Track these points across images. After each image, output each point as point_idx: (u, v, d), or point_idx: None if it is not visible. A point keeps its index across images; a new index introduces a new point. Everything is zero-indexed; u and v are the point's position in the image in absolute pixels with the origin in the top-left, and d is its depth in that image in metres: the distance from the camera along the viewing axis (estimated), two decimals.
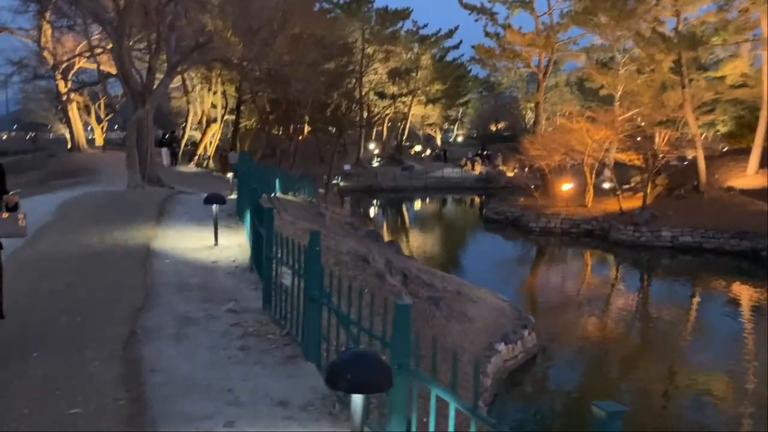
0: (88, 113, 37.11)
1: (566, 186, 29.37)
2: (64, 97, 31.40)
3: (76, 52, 29.63)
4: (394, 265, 11.00)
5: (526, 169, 36.14)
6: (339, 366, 2.63)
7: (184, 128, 35.88)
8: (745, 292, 18.08)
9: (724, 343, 13.52)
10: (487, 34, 36.57)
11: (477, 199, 42.93)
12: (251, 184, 9.03)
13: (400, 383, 3.04)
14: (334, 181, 37.81)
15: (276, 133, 42.09)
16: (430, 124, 64.08)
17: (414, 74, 49.78)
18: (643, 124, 28.73)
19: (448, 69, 54.32)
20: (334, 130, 42.28)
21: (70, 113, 32.32)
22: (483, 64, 40.11)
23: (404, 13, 46.96)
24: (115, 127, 46.05)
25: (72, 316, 5.45)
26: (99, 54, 26.12)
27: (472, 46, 37.72)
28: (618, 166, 28.07)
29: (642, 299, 17.92)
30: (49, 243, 8.75)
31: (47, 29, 28.42)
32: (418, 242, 26.61)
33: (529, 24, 35.33)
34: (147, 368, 4.39)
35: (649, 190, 25.47)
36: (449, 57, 55.17)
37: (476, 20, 36.19)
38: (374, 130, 55.94)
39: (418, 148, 61.48)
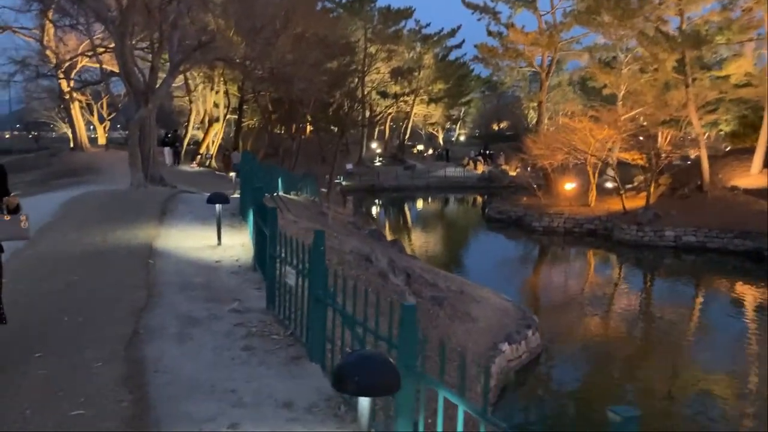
0: (91, 112, 37.12)
1: (569, 185, 29.31)
2: (67, 96, 31.39)
3: (79, 51, 29.63)
4: (397, 265, 10.95)
5: (529, 169, 36.07)
6: (346, 368, 2.59)
7: (186, 127, 35.85)
8: (748, 292, 18.02)
9: (727, 343, 13.47)
10: (489, 33, 36.56)
11: (479, 199, 42.86)
12: (254, 183, 8.99)
13: (407, 385, 2.99)
14: (337, 181, 37.77)
15: (278, 132, 42.06)
16: (433, 124, 64.02)
17: (416, 73, 49.74)
18: (645, 123, 28.67)
19: (450, 68, 54.28)
20: (336, 130, 42.25)
21: (73, 112, 32.31)
22: (486, 63, 40.09)
23: (407, 13, 46.91)
24: (118, 127, 46.01)
25: (74, 316, 5.42)
26: (101, 53, 26.13)
27: (475, 45, 37.71)
28: (621, 165, 28.03)
29: (645, 299, 17.87)
30: (51, 242, 8.71)
31: (50, 28, 28.41)
32: (420, 242, 26.57)
33: (532, 23, 35.41)
34: (150, 369, 4.35)
35: (652, 189, 25.40)
36: (452, 56, 55.22)
37: (479, 19, 36.23)
38: (376, 129, 55.92)
39: (420, 147, 61.44)
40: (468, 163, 51.97)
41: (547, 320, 13.49)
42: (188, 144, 35.26)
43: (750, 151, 27.58)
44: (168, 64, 20.26)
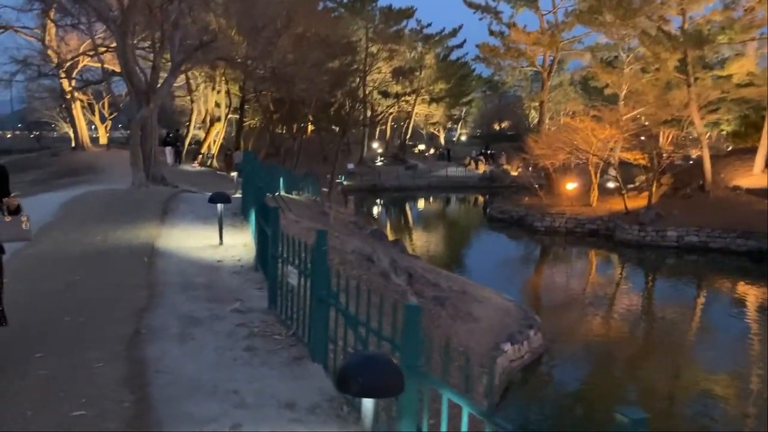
0: (92, 112, 37.14)
1: (571, 185, 29.27)
2: (68, 96, 31.41)
3: (81, 51, 29.64)
4: (398, 265, 10.93)
5: (531, 168, 36.03)
6: (350, 369, 2.56)
7: (188, 127, 35.85)
8: (750, 292, 17.98)
9: (729, 343, 13.44)
10: (491, 33, 36.56)
11: (481, 199, 42.82)
12: (256, 182, 8.97)
13: (410, 386, 2.97)
14: (338, 180, 37.74)
15: (280, 132, 42.07)
16: (434, 123, 63.99)
17: (418, 73, 49.72)
18: (647, 123, 28.62)
19: (451, 68, 54.25)
20: (337, 129, 42.23)
21: (74, 112, 32.33)
22: (487, 62, 40.07)
23: (408, 12, 46.88)
24: (119, 126, 46.04)
25: (75, 316, 5.39)
26: (103, 52, 26.13)
27: (477, 45, 37.71)
28: (622, 165, 27.97)
29: (647, 299, 17.84)
30: (52, 242, 8.70)
31: (51, 28, 28.41)
32: (422, 241, 26.54)
33: (533, 22, 35.29)
34: (151, 369, 4.33)
35: (654, 189, 25.35)
36: (453, 56, 55.16)
37: (480, 19, 36.20)
38: (378, 129, 55.90)
39: (421, 147, 61.40)
40: (469, 163, 51.92)
41: (549, 320, 13.45)
42: (190, 144, 35.26)
43: (752, 151, 27.52)
44: (169, 63, 20.26)
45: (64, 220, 10.61)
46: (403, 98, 51.10)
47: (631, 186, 28.56)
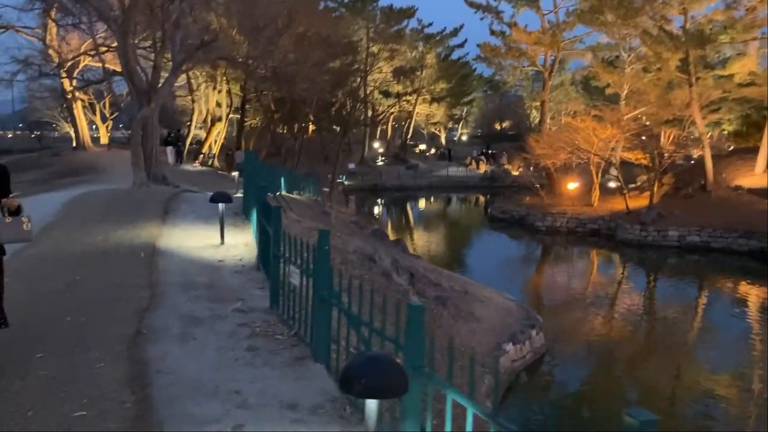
0: (93, 112, 37.13)
1: (572, 185, 29.24)
2: (69, 96, 31.40)
3: (82, 51, 29.62)
4: (400, 264, 10.90)
5: (532, 168, 35.97)
6: (353, 370, 2.54)
7: (189, 127, 35.83)
8: (752, 292, 17.96)
9: (731, 343, 13.42)
10: (492, 33, 36.51)
11: (482, 198, 42.79)
12: (258, 182, 8.94)
13: (414, 387, 2.94)
14: (339, 180, 37.72)
15: (281, 131, 42.03)
16: (435, 123, 63.93)
17: (419, 73, 49.67)
18: (648, 123, 28.58)
19: (452, 68, 54.20)
20: (338, 129, 42.19)
21: (75, 112, 32.33)
22: (488, 62, 40.01)
23: (409, 12, 46.84)
24: (120, 126, 46.04)
25: (76, 316, 5.37)
26: (104, 52, 26.09)
27: (478, 45, 37.65)
28: (624, 165, 27.93)
29: (649, 299, 17.81)
30: (53, 242, 8.68)
31: (52, 27, 28.39)
32: (423, 241, 26.51)
33: (534, 22, 35.26)
34: (153, 369, 4.30)
35: (655, 189, 25.32)
36: (454, 56, 55.09)
37: (482, 18, 36.18)
38: (379, 128, 55.86)
39: (422, 146, 61.37)
40: (470, 163, 51.89)
41: (551, 320, 13.42)
42: (191, 143, 35.23)
43: (754, 151, 27.47)
44: (170, 63, 20.24)
45: (65, 219, 10.58)
46: (404, 98, 51.06)
47: (633, 186, 28.52)
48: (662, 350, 12.93)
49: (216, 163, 33.68)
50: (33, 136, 57.74)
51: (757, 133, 28.76)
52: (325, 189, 28.88)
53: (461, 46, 54.18)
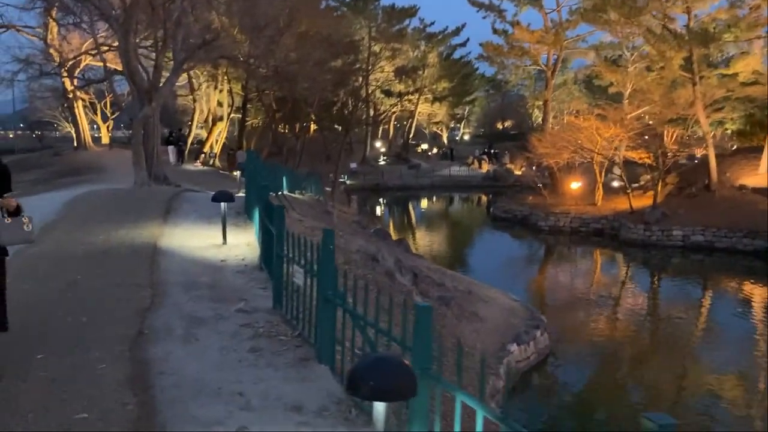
0: (94, 111, 37.11)
1: (575, 184, 29.15)
2: (70, 95, 31.37)
3: (83, 50, 29.59)
4: (403, 264, 10.84)
5: (534, 168, 35.90)
6: (360, 372, 2.47)
7: (190, 126, 35.79)
8: (757, 292, 17.87)
9: (735, 343, 13.35)
10: (495, 31, 36.40)
11: (484, 198, 42.71)
12: (260, 181, 8.89)
13: (422, 389, 2.87)
14: (341, 180, 37.66)
15: (282, 131, 41.97)
16: (437, 123, 63.85)
17: (421, 72, 49.58)
18: (651, 122, 28.47)
19: (455, 67, 54.12)
20: (340, 129, 42.12)
21: (76, 111, 32.31)
22: (491, 61, 39.92)
23: (411, 11, 46.78)
24: (121, 126, 46.04)
25: (77, 316, 5.31)
26: (105, 51, 26.04)
27: (480, 44, 37.54)
28: (627, 164, 27.84)
29: (653, 299, 17.74)
30: (54, 241, 8.61)
31: (53, 27, 28.37)
32: (425, 241, 26.45)
33: (537, 21, 35.14)
34: (155, 370, 4.25)
35: (659, 188, 25.22)
36: (456, 55, 55.01)
37: (484, 17, 36.07)
38: (381, 128, 55.78)
39: (424, 146, 61.28)
40: (473, 162, 51.80)
41: (555, 320, 13.36)
42: (192, 143, 35.20)
43: (758, 150, 27.37)
44: (172, 62, 20.18)
45: (67, 219, 10.53)
46: (406, 97, 50.97)
47: (636, 185, 28.42)
48: (666, 351, 12.86)
49: (217, 162, 33.64)
50: (34, 135, 57.71)
51: (760, 132, 28.66)
52: (327, 188, 28.83)
53: (463, 45, 54.17)
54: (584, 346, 12.87)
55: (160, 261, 7.42)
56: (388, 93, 50.48)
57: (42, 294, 6.07)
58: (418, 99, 51.76)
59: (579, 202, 27.89)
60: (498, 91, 68.14)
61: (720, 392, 10.53)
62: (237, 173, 22.57)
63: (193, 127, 35.22)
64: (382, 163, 49.48)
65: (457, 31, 51.43)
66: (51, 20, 27.69)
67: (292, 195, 18.40)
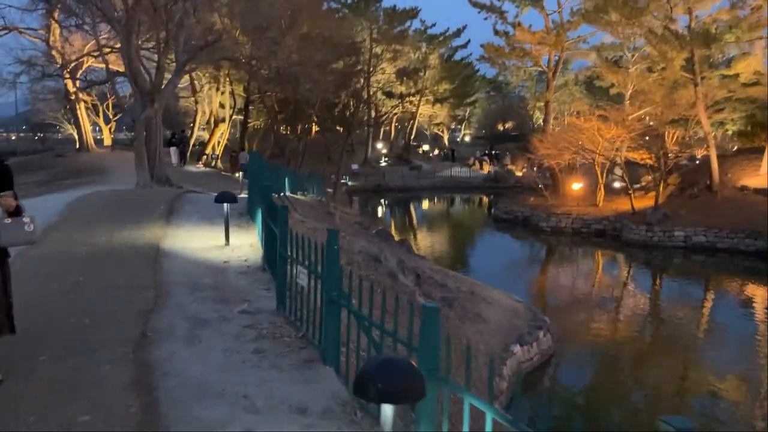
0: (97, 113, 37.13)
1: (576, 185, 29.12)
2: (73, 97, 31.38)
3: (85, 51, 29.59)
4: (406, 265, 10.81)
5: (536, 169, 35.88)
6: (368, 374, 2.44)
7: (192, 128, 35.81)
8: (759, 293, 17.84)
9: (737, 344, 13.32)
10: (496, 33, 36.35)
11: (485, 199, 42.70)
12: (263, 182, 8.87)
13: (429, 391, 2.85)
14: (342, 181, 37.64)
15: (284, 132, 41.98)
16: (438, 124, 63.87)
17: (422, 74, 49.58)
18: (652, 124, 28.44)
19: (456, 68, 54.13)
20: (342, 130, 42.11)
21: (79, 113, 32.33)
22: (492, 62, 39.84)
23: (412, 13, 46.78)
24: (123, 128, 46.09)
25: (80, 318, 5.29)
26: (107, 53, 26.01)
27: (482, 45, 37.48)
28: (628, 165, 27.81)
29: (654, 300, 17.69)
30: (56, 242, 8.59)
31: (56, 28, 28.39)
32: (427, 242, 26.42)
33: (538, 22, 35.09)
34: (159, 372, 4.22)
35: (661, 189, 25.19)
36: (457, 56, 55.07)
37: (485, 18, 36.00)
38: (382, 129, 55.79)
39: (425, 147, 61.29)
40: (474, 164, 51.81)
41: (557, 321, 13.32)
42: (194, 145, 35.21)
43: (759, 151, 27.33)
44: (174, 64, 20.17)
45: (69, 220, 10.50)
46: (407, 99, 50.96)
47: (638, 186, 28.38)
48: (669, 351, 12.83)
49: (219, 164, 33.63)
50: (36, 138, 57.77)
51: (761, 133, 28.60)
52: (329, 190, 28.82)
53: (464, 46, 54.21)
54: (587, 347, 12.85)
55: (163, 262, 7.40)
56: (389, 94, 50.49)
57: (44, 295, 6.05)
58: (420, 100, 51.77)
59: (580, 203, 27.85)
60: (499, 93, 68.19)
61: (721, 393, 10.50)
62: (239, 174, 22.55)
63: (195, 128, 35.23)
64: (384, 164, 49.49)
65: (458, 33, 51.47)
66: (53, 22, 27.72)
67: (294, 196, 18.39)
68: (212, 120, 33.79)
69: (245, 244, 8.44)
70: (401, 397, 2.49)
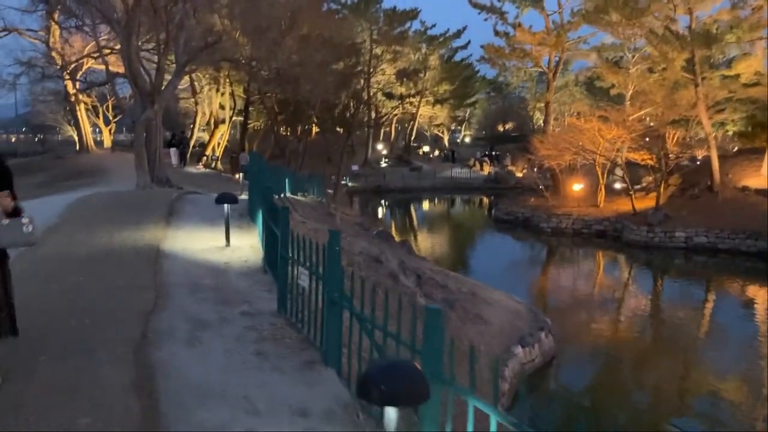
0: (96, 114, 37.13)
1: (577, 186, 29.08)
2: (73, 98, 31.38)
3: (85, 53, 29.61)
4: (407, 266, 10.78)
5: (536, 169, 35.85)
6: (372, 376, 2.41)
7: (192, 129, 35.79)
8: (760, 294, 17.80)
9: (738, 345, 13.28)
10: (496, 33, 36.33)
11: (486, 200, 42.67)
12: (264, 183, 8.84)
13: (433, 393, 2.82)
14: (343, 182, 37.62)
15: (284, 133, 41.96)
16: (438, 125, 63.86)
17: (422, 75, 49.57)
18: (652, 124, 28.41)
19: (456, 69, 54.11)
20: (342, 131, 42.09)
21: (79, 114, 32.34)
22: (492, 63, 39.81)
23: (412, 14, 46.76)
24: (123, 129, 46.08)
25: (80, 319, 5.26)
26: (107, 54, 26.03)
27: (482, 46, 37.46)
28: (629, 165, 27.79)
29: (656, 301, 17.66)
30: (57, 244, 8.56)
31: (56, 30, 28.40)
32: (427, 243, 26.38)
33: (539, 23, 35.08)
34: (159, 373, 4.19)
35: (662, 190, 25.16)
36: (457, 57, 55.02)
37: (486, 19, 35.97)
38: (382, 130, 55.77)
39: (426, 148, 61.28)
40: (474, 165, 51.78)
41: (558, 322, 13.27)
42: (194, 146, 35.18)
43: (760, 151, 27.29)
44: (174, 65, 20.16)
45: (69, 222, 10.47)
46: (407, 100, 50.94)
47: (639, 187, 28.35)
48: (670, 352, 12.80)
49: (219, 165, 33.61)
50: (36, 139, 57.79)
51: (762, 134, 28.55)
52: (329, 191, 28.79)
53: (464, 47, 54.18)
54: (588, 348, 12.82)
55: (163, 263, 7.37)
56: (389, 95, 50.48)
57: (45, 296, 6.02)
58: (420, 101, 51.76)
59: (581, 203, 27.82)
60: (499, 94, 68.18)
61: (722, 393, 10.47)
62: (239, 176, 22.52)
63: (195, 129, 35.21)
64: (384, 165, 49.47)
65: (458, 34, 51.44)
66: (53, 23, 27.72)
67: (295, 197, 18.36)
68: (212, 121, 33.77)
69: (246, 246, 8.42)
70: (405, 400, 2.46)
